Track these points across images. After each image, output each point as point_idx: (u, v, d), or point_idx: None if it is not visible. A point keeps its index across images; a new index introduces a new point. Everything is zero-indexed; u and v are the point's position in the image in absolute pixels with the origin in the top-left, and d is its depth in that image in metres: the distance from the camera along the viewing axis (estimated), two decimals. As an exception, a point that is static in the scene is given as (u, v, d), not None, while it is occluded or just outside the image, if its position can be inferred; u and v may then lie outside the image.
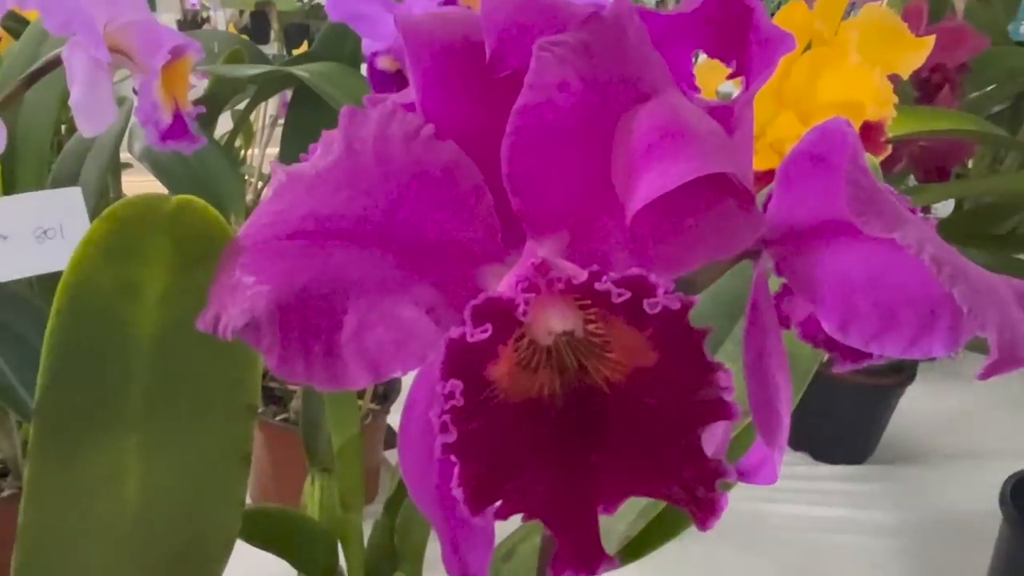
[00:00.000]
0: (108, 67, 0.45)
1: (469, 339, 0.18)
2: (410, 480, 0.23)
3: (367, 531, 0.48)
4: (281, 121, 1.05)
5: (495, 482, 0.19)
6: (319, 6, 1.49)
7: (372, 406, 0.75)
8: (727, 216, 0.21)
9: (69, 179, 0.60)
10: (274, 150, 1.07)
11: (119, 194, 0.80)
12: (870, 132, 0.55)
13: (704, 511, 0.19)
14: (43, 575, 0.25)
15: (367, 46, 0.56)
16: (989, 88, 0.88)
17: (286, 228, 0.21)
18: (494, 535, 0.23)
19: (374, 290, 0.21)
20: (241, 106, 0.91)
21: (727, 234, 0.21)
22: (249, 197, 0.99)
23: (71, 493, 0.25)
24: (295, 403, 0.74)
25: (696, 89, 0.28)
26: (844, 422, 0.92)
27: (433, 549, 0.47)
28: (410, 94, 0.24)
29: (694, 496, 0.19)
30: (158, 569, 0.28)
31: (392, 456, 0.79)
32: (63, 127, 0.85)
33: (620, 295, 0.18)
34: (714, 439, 0.20)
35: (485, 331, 0.18)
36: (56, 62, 0.48)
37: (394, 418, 0.79)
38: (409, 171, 0.21)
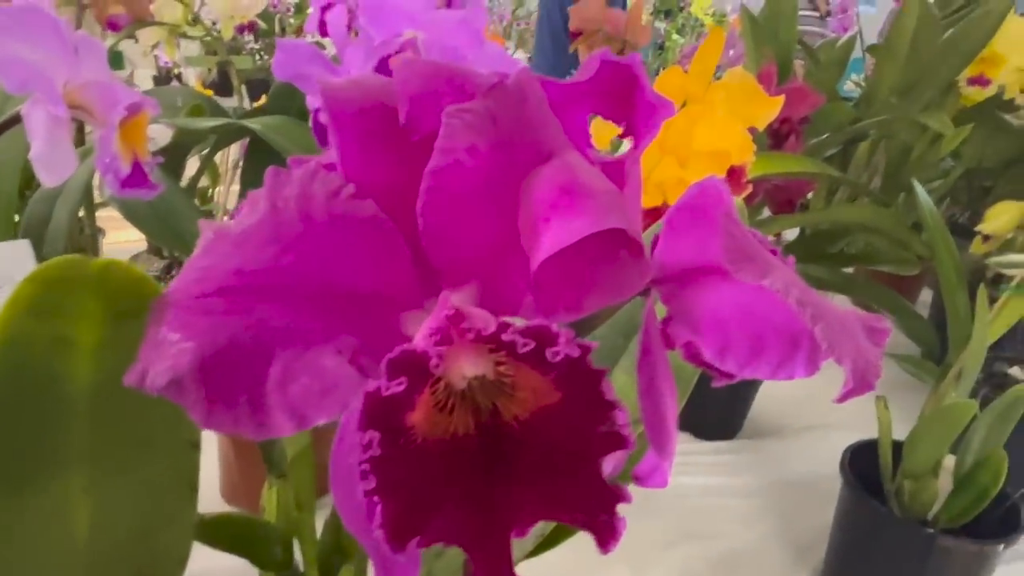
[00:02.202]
0: (67, 122, 0.41)
1: (385, 392, 0.15)
2: (341, 509, 0.21)
3: (319, 528, 0.45)
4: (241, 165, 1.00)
5: (414, 519, 0.17)
6: (276, 64, 1.44)
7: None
8: (620, 265, 0.19)
9: (41, 222, 0.55)
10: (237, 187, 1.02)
11: (94, 230, 0.75)
12: (735, 175, 0.54)
13: (605, 534, 0.17)
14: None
15: (311, 102, 0.53)
16: (824, 136, 0.90)
17: (212, 284, 0.18)
18: (420, 559, 0.21)
19: (298, 342, 0.18)
20: (206, 151, 0.86)
21: (620, 280, 0.20)
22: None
23: (15, 531, 0.21)
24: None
25: (591, 146, 0.27)
26: (719, 406, 0.92)
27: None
28: (331, 156, 0.21)
29: (596, 521, 0.18)
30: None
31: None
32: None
33: (525, 345, 0.16)
34: (613, 460, 0.19)
35: (400, 384, 0.15)
36: (18, 118, 0.43)
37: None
38: (330, 228, 0.19)
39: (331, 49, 0.71)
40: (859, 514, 0.67)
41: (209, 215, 1.07)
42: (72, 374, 0.19)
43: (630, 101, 0.23)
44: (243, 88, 1.04)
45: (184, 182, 0.86)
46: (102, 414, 0.21)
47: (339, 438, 0.21)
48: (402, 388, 0.15)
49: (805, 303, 0.18)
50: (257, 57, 1.52)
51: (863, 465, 0.69)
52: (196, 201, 0.95)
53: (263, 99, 1.14)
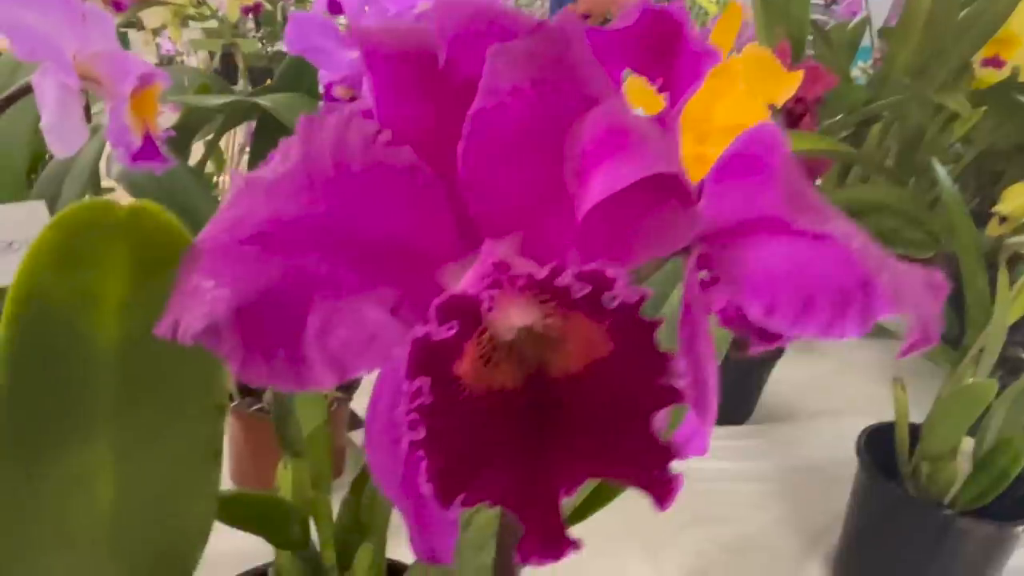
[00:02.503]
0: (77, 92, 0.40)
1: (434, 337, 0.15)
2: (377, 472, 0.20)
3: (335, 507, 0.44)
4: (248, 149, 0.99)
5: (462, 474, 0.16)
6: (280, 52, 1.43)
7: (337, 394, 0.71)
8: (669, 214, 0.19)
9: (49, 202, 0.54)
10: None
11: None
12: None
13: (661, 491, 0.17)
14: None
15: (323, 77, 0.52)
16: (837, 118, 0.89)
17: (246, 232, 0.17)
18: (458, 520, 0.20)
19: (336, 292, 0.17)
20: (211, 136, 0.85)
21: (669, 231, 0.19)
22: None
23: (39, 500, 0.20)
24: (268, 394, 0.69)
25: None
26: (729, 391, 0.91)
27: (397, 521, 0.44)
28: (366, 102, 0.20)
29: (650, 478, 0.17)
30: (138, 565, 0.24)
31: (356, 436, 0.75)
32: (47, 155, 0.78)
33: (580, 289, 0.15)
34: (664, 416, 0.18)
35: (451, 329, 0.15)
36: (27, 89, 0.42)
37: (357, 403, 0.74)
38: (367, 175, 0.18)
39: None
40: (875, 496, 0.66)
41: (215, 201, 1.06)
42: (97, 332, 0.18)
43: (672, 51, 0.22)
44: (247, 73, 1.03)
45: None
46: (129, 376, 0.20)
47: (376, 397, 0.20)
48: (452, 333, 0.15)
49: (868, 252, 0.17)
50: (259, 45, 1.51)
51: (878, 448, 0.68)
52: (202, 185, 0.94)
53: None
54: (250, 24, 1.59)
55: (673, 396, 0.17)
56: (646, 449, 0.17)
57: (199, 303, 0.16)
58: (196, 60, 1.81)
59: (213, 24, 1.38)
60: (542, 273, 0.15)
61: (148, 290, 0.18)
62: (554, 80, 0.18)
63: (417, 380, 0.15)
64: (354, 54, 0.51)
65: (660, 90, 0.24)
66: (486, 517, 0.29)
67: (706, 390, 0.23)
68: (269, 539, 0.42)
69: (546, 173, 0.19)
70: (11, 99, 0.42)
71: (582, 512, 0.30)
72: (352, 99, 0.52)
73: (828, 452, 0.86)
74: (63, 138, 0.38)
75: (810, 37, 0.99)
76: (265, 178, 0.18)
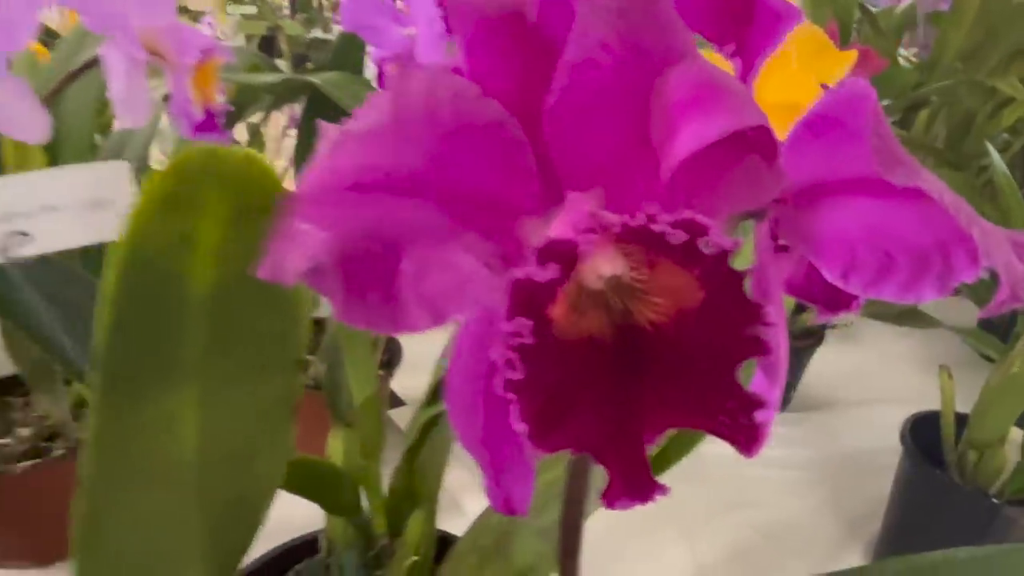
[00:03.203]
0: (144, 64, 0.41)
1: (536, 279, 0.15)
2: (456, 422, 0.21)
3: (383, 478, 0.45)
4: (291, 131, 1.01)
5: (555, 416, 0.16)
6: (319, 39, 1.44)
7: (379, 372, 0.71)
8: (754, 170, 0.19)
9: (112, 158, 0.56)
10: (281, 162, 1.03)
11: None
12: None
13: (748, 439, 0.17)
14: (110, 520, 0.22)
15: (375, 54, 0.52)
16: (884, 102, 0.88)
17: (343, 180, 0.18)
18: (534, 470, 0.21)
19: (428, 238, 0.18)
20: (255, 119, 0.86)
21: (754, 187, 0.19)
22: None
23: (133, 440, 0.21)
24: (313, 370, 0.70)
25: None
26: (767, 378, 0.90)
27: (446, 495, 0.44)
28: (453, 61, 0.21)
29: (737, 426, 0.17)
30: (216, 510, 0.25)
31: (396, 415, 0.76)
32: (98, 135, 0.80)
33: (676, 236, 0.15)
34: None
35: (551, 271, 0.15)
36: (94, 62, 0.43)
37: (396, 382, 0.75)
38: (457, 127, 0.18)
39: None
40: (920, 484, 0.66)
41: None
42: (193, 275, 0.19)
43: (748, 12, 0.22)
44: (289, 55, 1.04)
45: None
46: (217, 322, 0.21)
47: (458, 348, 0.20)
48: (553, 276, 0.15)
49: (959, 207, 0.17)
50: (300, 28, 1.52)
51: (923, 437, 0.67)
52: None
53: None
54: (285, 11, 1.61)
55: (761, 347, 0.17)
56: (732, 398, 0.17)
57: (301, 245, 0.16)
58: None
59: (251, 10, 1.40)
60: (637, 221, 0.16)
61: (242, 236, 0.19)
62: (641, 35, 0.18)
63: (516, 321, 0.15)
64: (407, 31, 0.51)
65: (733, 55, 0.24)
66: (550, 477, 0.30)
67: (777, 353, 0.23)
68: (323, 505, 0.43)
69: (631, 128, 0.19)
70: (78, 72, 0.43)
71: (659, 465, 0.31)
72: (404, 76, 0.52)
73: (868, 441, 0.85)
74: (131, 109, 0.39)
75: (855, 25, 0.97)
76: (359, 129, 0.18)
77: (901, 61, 1.42)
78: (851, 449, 0.86)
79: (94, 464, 0.20)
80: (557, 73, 0.18)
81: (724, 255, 0.16)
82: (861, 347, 1.04)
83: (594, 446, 0.17)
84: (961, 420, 0.66)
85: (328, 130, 0.19)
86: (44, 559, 0.62)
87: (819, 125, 0.20)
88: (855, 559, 0.71)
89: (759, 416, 0.17)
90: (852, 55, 0.57)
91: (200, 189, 0.17)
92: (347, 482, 0.43)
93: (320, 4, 2.05)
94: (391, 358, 0.75)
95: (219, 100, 0.46)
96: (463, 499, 0.68)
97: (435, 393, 0.41)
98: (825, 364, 0.94)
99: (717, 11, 0.23)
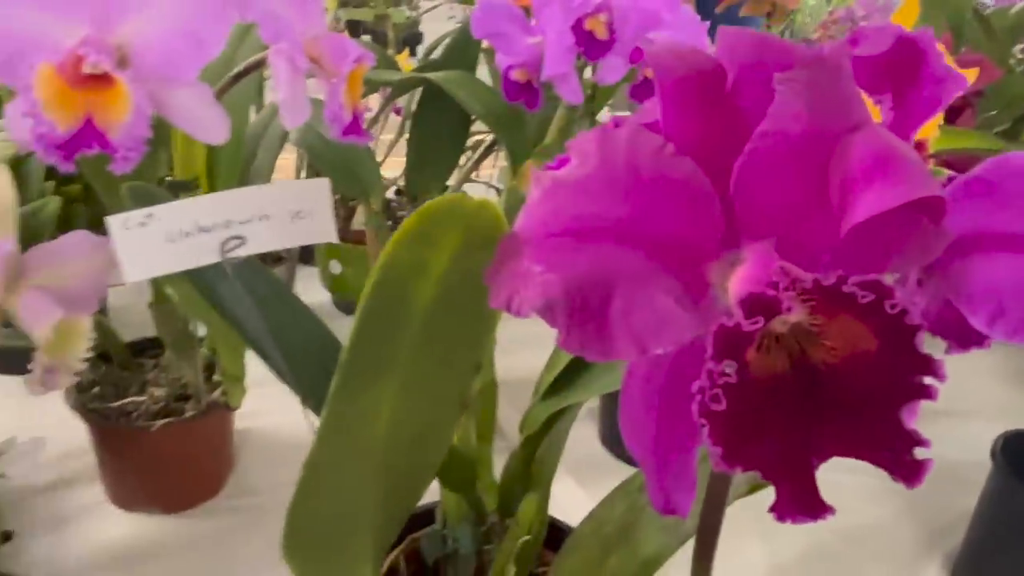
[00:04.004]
0: (304, 71, 0.45)
1: (744, 328, 0.18)
2: (627, 431, 0.24)
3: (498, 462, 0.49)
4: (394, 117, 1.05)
5: (743, 443, 0.19)
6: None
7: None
8: (923, 231, 0.21)
9: (246, 163, 0.61)
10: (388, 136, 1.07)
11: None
12: (918, 148, 0.53)
13: (910, 473, 0.19)
14: (322, 476, 0.26)
15: (502, 60, 0.55)
16: (993, 112, 0.86)
17: (559, 226, 0.21)
18: (696, 480, 0.24)
19: (632, 280, 0.21)
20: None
21: (922, 246, 0.21)
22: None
23: (349, 422, 0.25)
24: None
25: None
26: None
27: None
28: (647, 115, 0.23)
29: (900, 461, 0.19)
30: (394, 481, 0.29)
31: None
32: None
33: (864, 297, 0.18)
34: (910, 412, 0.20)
35: (757, 323, 0.18)
36: (255, 66, 0.48)
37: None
38: (654, 180, 0.21)
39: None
40: (1009, 501, 0.66)
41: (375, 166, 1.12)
42: (418, 296, 0.22)
43: (913, 74, 0.24)
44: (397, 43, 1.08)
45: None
46: (427, 333, 0.24)
47: (634, 368, 0.23)
48: (758, 326, 0.18)
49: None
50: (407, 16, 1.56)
51: (1014, 454, 0.67)
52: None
53: (405, 53, 1.18)
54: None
55: (927, 393, 0.19)
56: (897, 435, 0.19)
57: (532, 285, 0.19)
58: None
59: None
60: (829, 280, 0.18)
61: (462, 265, 0.22)
62: (826, 107, 0.21)
63: (724, 363, 0.18)
64: (535, 40, 0.54)
65: (894, 108, 0.26)
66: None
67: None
68: (443, 481, 0.47)
69: (810, 186, 0.21)
70: (243, 73, 0.48)
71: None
72: (528, 82, 0.55)
73: (953, 454, 0.85)
74: (294, 112, 0.44)
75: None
76: (568, 179, 0.21)
77: (1013, 64, 1.37)
78: (935, 460, 0.86)
79: (323, 435, 0.24)
80: (754, 136, 0.21)
81: (905, 313, 0.18)
82: (949, 359, 1.03)
83: (772, 468, 0.19)
84: (1055, 441, 0.66)
85: (541, 177, 0.22)
86: (169, 508, 0.68)
87: (979, 187, 0.22)
88: (933, 571, 0.72)
89: (920, 453, 0.19)
90: (972, 73, 0.57)
91: (439, 228, 0.20)
92: (465, 462, 0.47)
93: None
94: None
95: (363, 104, 0.49)
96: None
97: (554, 387, 0.44)
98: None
99: (883, 70, 0.25)
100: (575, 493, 0.72)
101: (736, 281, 0.20)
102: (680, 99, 0.22)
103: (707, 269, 0.22)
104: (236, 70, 0.48)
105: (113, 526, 0.67)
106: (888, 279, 0.18)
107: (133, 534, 0.66)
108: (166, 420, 0.65)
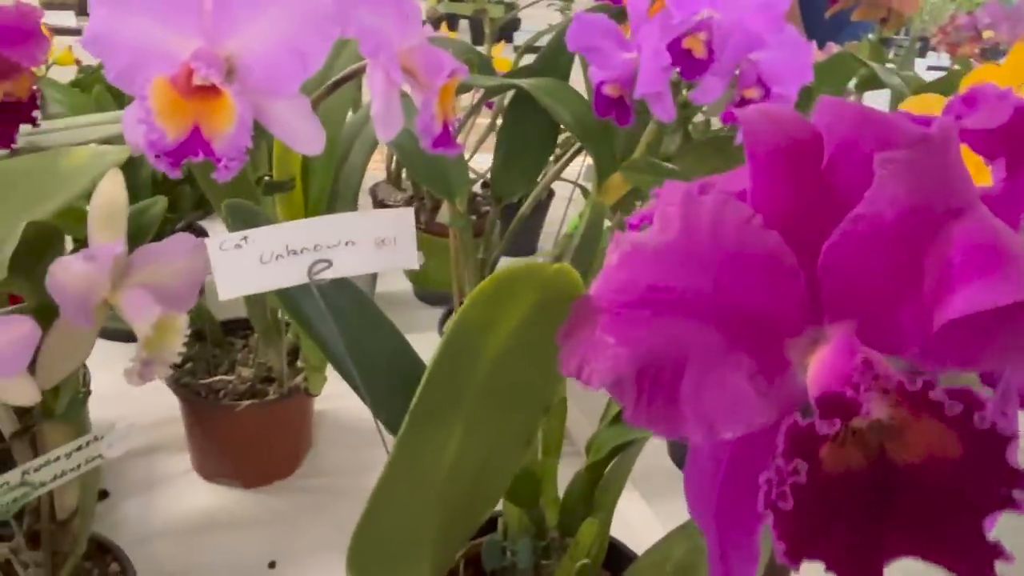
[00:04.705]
0: (399, 85, 0.46)
1: (817, 431, 0.17)
2: (693, 505, 0.23)
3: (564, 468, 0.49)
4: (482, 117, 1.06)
5: (809, 539, 0.19)
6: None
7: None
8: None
9: (340, 161, 0.63)
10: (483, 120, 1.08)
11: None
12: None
13: (987, 586, 0.18)
14: (389, 508, 0.27)
15: (595, 74, 0.55)
16: None
17: (635, 295, 0.21)
18: (759, 553, 0.23)
19: (706, 357, 0.20)
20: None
21: (1021, 346, 0.20)
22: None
23: (413, 454, 0.26)
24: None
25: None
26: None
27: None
28: (734, 182, 0.23)
29: (973, 570, 0.19)
30: (455, 510, 0.29)
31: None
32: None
33: (952, 408, 0.17)
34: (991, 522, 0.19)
35: (832, 425, 0.17)
36: (353, 75, 0.49)
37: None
38: (739, 253, 0.21)
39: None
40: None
41: (464, 169, 1.14)
42: (487, 348, 0.23)
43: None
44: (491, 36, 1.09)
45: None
46: (494, 381, 0.25)
47: (698, 446, 0.23)
48: (833, 429, 0.17)
49: None
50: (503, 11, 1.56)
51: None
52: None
53: (501, 44, 1.18)
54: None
55: (1012, 504, 0.18)
56: (974, 544, 0.18)
57: (603, 357, 0.20)
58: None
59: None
60: (915, 385, 0.17)
61: (535, 320, 0.22)
62: (927, 191, 0.20)
63: (795, 462, 0.17)
64: (630, 56, 0.53)
65: (1009, 170, 0.24)
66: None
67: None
68: (507, 494, 0.48)
69: (903, 272, 0.20)
70: (341, 82, 0.49)
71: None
72: (620, 97, 0.55)
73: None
74: (387, 125, 0.45)
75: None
76: (648, 246, 0.21)
77: None
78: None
79: (390, 463, 0.25)
80: (847, 218, 0.20)
81: (994, 425, 0.17)
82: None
83: (839, 564, 0.19)
84: None
85: (621, 240, 0.22)
86: (249, 482, 0.72)
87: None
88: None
89: (997, 565, 0.18)
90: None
91: (513, 288, 0.21)
92: (530, 478, 0.47)
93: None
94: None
95: (454, 115, 0.50)
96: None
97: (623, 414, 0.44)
98: None
99: (999, 137, 0.23)
100: (640, 508, 0.72)
101: (815, 370, 0.20)
102: (773, 169, 0.21)
103: (787, 346, 0.21)
104: (334, 79, 0.50)
105: (196, 494, 0.71)
106: (983, 394, 0.17)
107: (213, 504, 0.71)
108: (250, 401, 0.68)
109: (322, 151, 0.44)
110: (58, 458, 0.35)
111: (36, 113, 0.53)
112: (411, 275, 1.05)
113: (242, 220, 0.32)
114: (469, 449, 0.28)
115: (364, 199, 1.27)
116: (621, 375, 0.19)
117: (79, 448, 0.36)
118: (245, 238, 0.28)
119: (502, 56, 1.21)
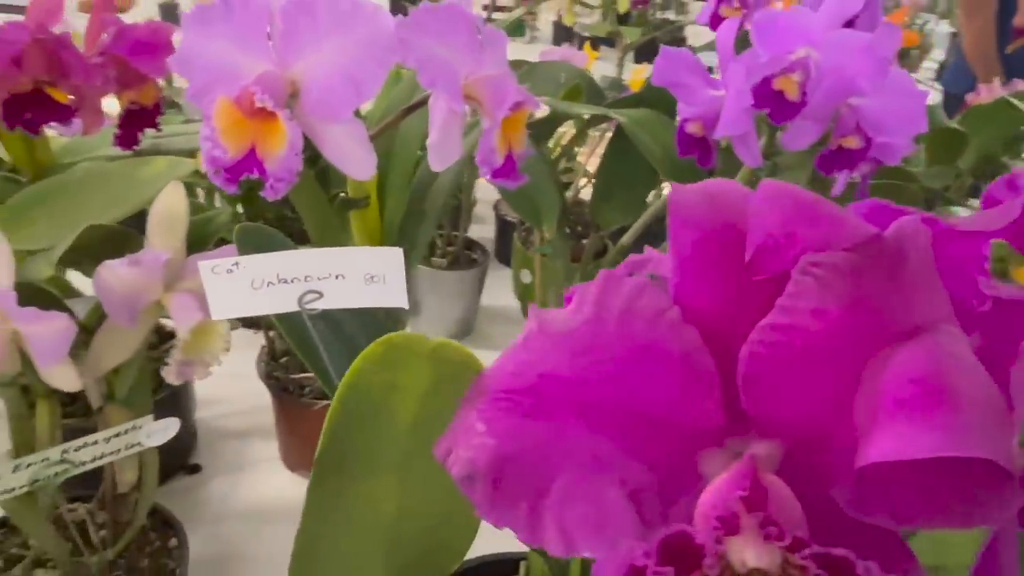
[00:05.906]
0: (461, 116, 0.46)
1: (649, 573, 0.15)
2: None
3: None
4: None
5: None
6: (668, 20, 1.44)
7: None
8: (975, 489, 0.16)
9: (428, 182, 0.64)
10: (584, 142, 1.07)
11: (470, 193, 0.85)
12: None
13: None
14: (316, 559, 0.27)
15: (681, 110, 0.52)
16: None
17: (525, 382, 0.19)
18: None
19: (586, 465, 0.18)
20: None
21: (972, 507, 0.16)
22: (569, 194, 1.00)
23: (340, 509, 0.26)
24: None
25: (984, 273, 0.22)
26: None
27: None
28: (664, 264, 0.21)
29: None
30: (404, 563, 0.29)
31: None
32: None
33: (818, 574, 0.14)
34: None
35: (666, 572, 0.15)
36: (422, 103, 0.50)
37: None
38: (649, 348, 0.19)
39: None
40: None
41: (569, 172, 1.13)
42: (399, 409, 0.22)
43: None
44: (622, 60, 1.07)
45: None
46: (417, 440, 0.24)
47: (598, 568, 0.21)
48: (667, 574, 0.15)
49: None
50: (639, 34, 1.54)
51: None
52: (561, 163, 1.01)
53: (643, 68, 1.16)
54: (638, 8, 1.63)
55: None
56: None
57: (468, 444, 0.18)
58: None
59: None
60: (785, 539, 0.15)
61: (443, 391, 0.22)
62: (868, 303, 0.17)
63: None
64: (716, 93, 0.50)
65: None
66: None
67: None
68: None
69: (833, 393, 0.17)
70: (411, 109, 0.50)
71: None
72: (703, 137, 0.51)
73: None
74: (441, 156, 0.45)
75: None
76: (555, 327, 0.19)
77: None
78: None
79: (307, 520, 0.25)
80: (760, 327, 0.17)
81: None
82: None
83: None
84: None
85: (534, 315, 0.20)
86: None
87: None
88: None
89: None
90: None
91: (404, 358, 0.20)
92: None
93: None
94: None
95: (522, 146, 0.50)
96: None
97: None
98: None
99: (1013, 233, 0.19)
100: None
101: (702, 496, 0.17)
102: (700, 256, 0.19)
103: (698, 460, 0.19)
104: (405, 106, 0.51)
105: (277, 483, 0.76)
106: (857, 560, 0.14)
107: (292, 494, 0.75)
108: (326, 402, 0.72)
109: (398, 164, 0.45)
110: (96, 441, 0.39)
111: (158, 119, 0.59)
112: (519, 292, 1.05)
113: (252, 245, 0.34)
114: (414, 502, 0.27)
115: (487, 212, 1.30)
116: (475, 470, 0.18)
117: (117, 435, 0.40)
118: (236, 264, 0.30)
119: (643, 78, 1.18)
